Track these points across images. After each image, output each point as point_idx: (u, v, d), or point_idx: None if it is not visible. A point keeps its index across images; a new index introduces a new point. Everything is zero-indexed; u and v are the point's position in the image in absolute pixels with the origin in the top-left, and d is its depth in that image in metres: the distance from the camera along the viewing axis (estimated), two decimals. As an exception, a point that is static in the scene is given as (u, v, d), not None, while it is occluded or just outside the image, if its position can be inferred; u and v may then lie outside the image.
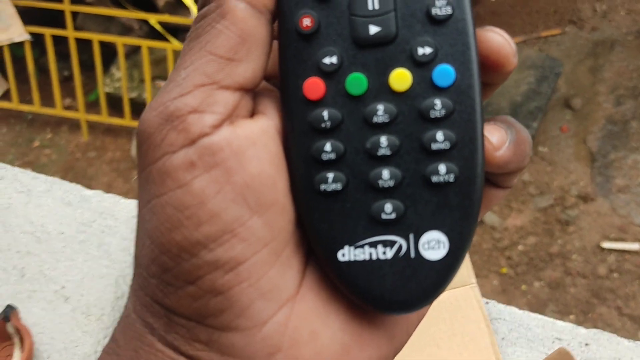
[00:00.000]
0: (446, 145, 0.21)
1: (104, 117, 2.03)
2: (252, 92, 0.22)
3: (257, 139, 0.21)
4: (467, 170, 0.21)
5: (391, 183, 0.21)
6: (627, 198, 1.77)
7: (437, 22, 0.21)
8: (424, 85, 0.21)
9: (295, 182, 0.21)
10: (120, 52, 1.97)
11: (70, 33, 1.97)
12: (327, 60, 0.21)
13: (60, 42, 2.04)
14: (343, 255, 0.21)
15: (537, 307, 1.58)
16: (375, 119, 0.21)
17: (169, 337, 0.21)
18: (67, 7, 1.96)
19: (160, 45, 1.94)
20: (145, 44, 1.93)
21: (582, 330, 0.57)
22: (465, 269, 0.59)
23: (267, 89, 0.24)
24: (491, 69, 0.22)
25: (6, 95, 2.16)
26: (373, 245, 0.21)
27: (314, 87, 0.21)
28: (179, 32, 2.05)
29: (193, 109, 0.20)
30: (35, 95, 2.04)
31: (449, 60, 0.21)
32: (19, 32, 1.99)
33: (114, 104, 2.05)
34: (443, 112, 0.21)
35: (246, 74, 0.21)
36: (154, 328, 0.21)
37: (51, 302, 0.66)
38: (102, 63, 2.00)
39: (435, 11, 0.21)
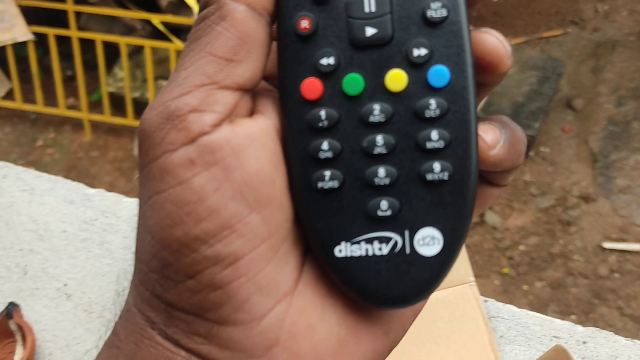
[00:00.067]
0: (441, 144, 0.21)
1: (106, 117, 2.03)
2: (252, 92, 0.22)
3: (256, 138, 0.21)
4: (461, 168, 0.21)
5: (387, 181, 0.21)
6: (628, 198, 1.77)
7: (433, 24, 0.21)
8: (419, 85, 0.21)
9: (293, 179, 0.22)
10: (123, 52, 1.97)
11: (73, 33, 1.98)
12: (324, 61, 0.22)
13: (64, 42, 2.04)
14: (340, 251, 0.22)
15: (539, 307, 1.59)
16: (371, 119, 0.21)
17: (169, 331, 0.21)
18: (70, 7, 1.97)
19: (163, 45, 1.95)
20: (148, 44, 1.93)
21: (579, 328, 0.57)
22: (464, 268, 0.59)
23: (266, 89, 0.24)
24: (486, 70, 0.22)
25: (9, 95, 2.17)
26: (369, 241, 0.22)
27: (311, 87, 0.22)
28: (181, 32, 2.05)
29: (193, 108, 0.20)
30: (39, 94, 2.05)
31: (444, 62, 0.21)
32: (22, 32, 2.00)
33: (117, 104, 2.06)
34: (438, 111, 0.21)
35: (245, 75, 0.21)
36: (154, 322, 0.21)
37: (53, 299, 0.67)
38: (105, 63, 2.00)
39: (430, 13, 0.21)
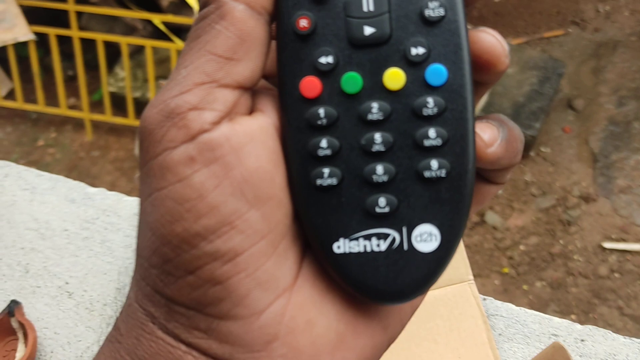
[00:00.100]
0: (438, 142, 0.22)
1: (107, 117, 2.04)
2: (251, 91, 0.22)
3: (256, 136, 0.21)
4: (459, 165, 0.22)
5: (385, 178, 0.22)
6: (628, 199, 1.77)
7: (430, 23, 0.22)
8: (417, 84, 0.22)
9: (292, 177, 0.22)
10: (124, 51, 1.98)
11: (74, 33, 1.98)
12: (323, 60, 0.22)
13: (65, 42, 2.05)
14: (338, 247, 0.22)
15: (539, 307, 1.59)
16: (369, 117, 0.22)
17: (170, 326, 0.21)
18: (71, 7, 1.98)
19: (164, 45, 1.95)
20: (149, 43, 1.94)
21: (577, 326, 0.57)
22: (463, 266, 0.59)
23: (266, 88, 0.24)
24: (483, 69, 0.23)
25: (11, 95, 2.17)
26: (367, 237, 0.22)
27: (310, 85, 0.22)
28: (182, 32, 2.06)
29: (193, 106, 0.20)
30: (40, 94, 2.05)
31: (442, 60, 0.22)
32: (23, 32, 2.01)
33: (118, 104, 2.07)
34: (435, 110, 0.22)
35: (245, 73, 0.21)
36: (155, 317, 0.21)
37: (55, 297, 0.67)
38: (106, 63, 2.01)
39: (428, 12, 0.22)
